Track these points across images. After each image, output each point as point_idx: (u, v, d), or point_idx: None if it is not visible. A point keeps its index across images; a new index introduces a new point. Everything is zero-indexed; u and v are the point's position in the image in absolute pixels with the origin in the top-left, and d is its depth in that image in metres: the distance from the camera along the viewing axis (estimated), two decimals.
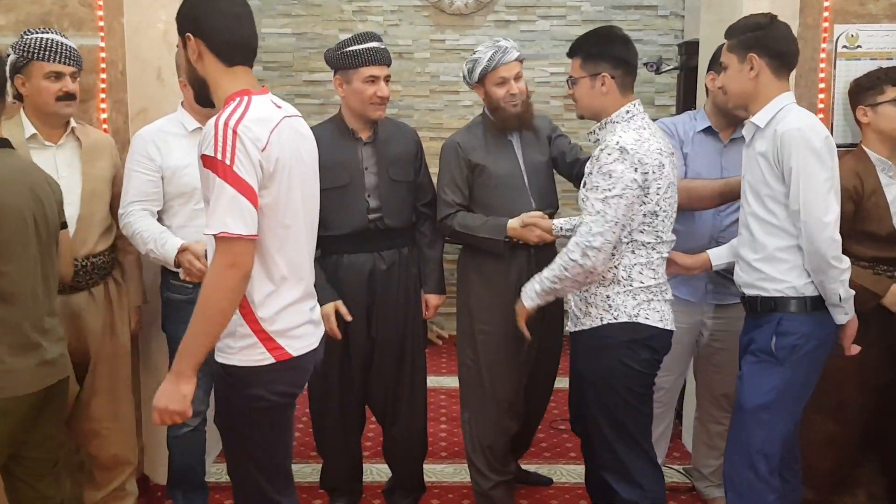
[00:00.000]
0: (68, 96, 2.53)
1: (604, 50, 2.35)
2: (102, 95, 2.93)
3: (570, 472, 3.43)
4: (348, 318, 2.75)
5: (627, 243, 2.30)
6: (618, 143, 2.24)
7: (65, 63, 2.51)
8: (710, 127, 2.85)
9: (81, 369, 2.63)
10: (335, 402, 2.90)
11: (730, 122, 2.82)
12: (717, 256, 2.57)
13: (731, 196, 2.67)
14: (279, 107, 1.97)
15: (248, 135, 1.80)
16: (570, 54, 2.43)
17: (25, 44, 2.51)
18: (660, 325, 2.34)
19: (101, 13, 2.89)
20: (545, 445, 3.71)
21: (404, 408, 2.94)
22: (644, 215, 2.29)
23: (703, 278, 2.83)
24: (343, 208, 2.78)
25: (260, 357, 1.91)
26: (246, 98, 1.88)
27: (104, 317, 2.68)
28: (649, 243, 2.31)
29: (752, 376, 2.35)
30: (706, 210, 2.77)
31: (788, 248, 2.27)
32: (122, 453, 2.79)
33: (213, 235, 1.82)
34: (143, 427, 3.18)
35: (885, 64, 2.89)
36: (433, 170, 2.93)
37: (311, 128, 2.89)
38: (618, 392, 2.34)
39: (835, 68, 2.96)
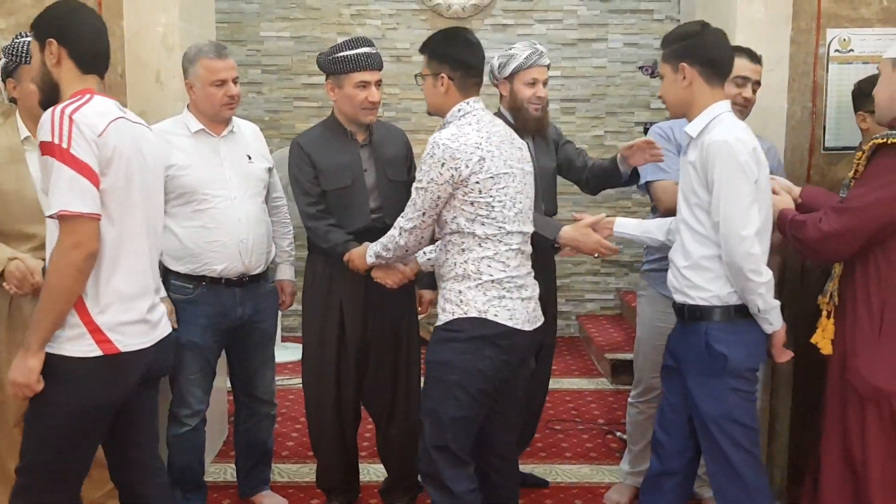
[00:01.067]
0: None
1: (446, 51, 2.40)
2: None
3: (566, 472, 3.46)
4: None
5: (471, 236, 2.33)
6: (433, 139, 2.32)
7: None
8: None
9: None
10: (331, 402, 2.92)
11: None
12: (622, 224, 2.63)
13: None
14: (122, 110, 2.06)
15: (84, 121, 1.91)
16: (421, 51, 2.48)
17: (15, 47, 2.53)
18: (508, 324, 2.33)
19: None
20: (541, 445, 3.73)
21: (400, 406, 2.97)
22: (476, 206, 2.30)
23: None
24: (347, 209, 2.82)
25: (88, 349, 1.95)
26: (88, 95, 1.99)
27: None
28: (494, 235, 2.32)
29: (697, 386, 2.31)
30: None
31: (713, 256, 2.25)
32: None
33: (54, 216, 1.89)
34: None
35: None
36: None
37: (305, 132, 2.95)
38: (448, 386, 2.33)
39: (827, 72, 2.99)
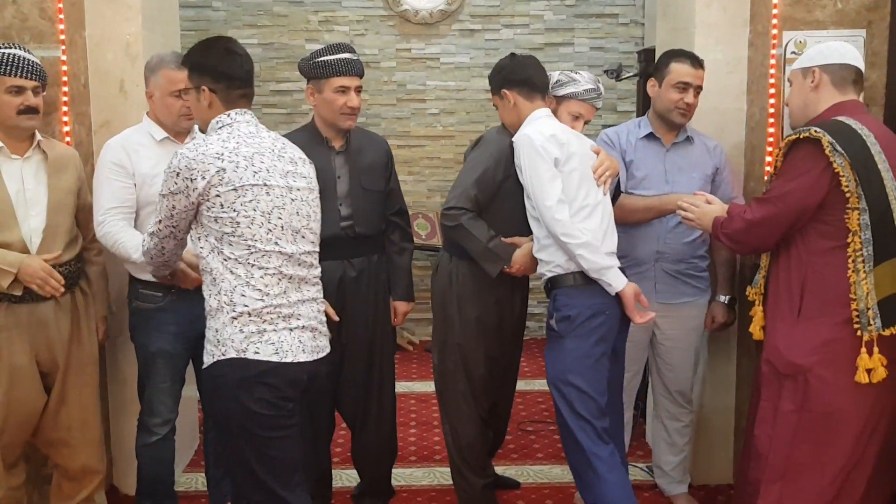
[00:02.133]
0: (30, 110, 2.53)
1: (205, 63, 2.24)
2: (65, 108, 2.94)
3: (537, 473, 3.49)
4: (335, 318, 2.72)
5: (221, 260, 2.12)
6: (176, 150, 2.21)
7: (25, 77, 2.51)
8: (652, 133, 2.94)
9: (49, 379, 2.64)
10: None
11: (671, 128, 2.92)
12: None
13: (662, 211, 2.82)
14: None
15: None
16: (182, 64, 2.38)
17: None
18: (274, 359, 2.11)
19: (62, 26, 2.90)
20: (513, 447, 3.76)
21: (373, 413, 2.97)
22: (220, 223, 2.11)
23: (650, 278, 2.91)
24: None
25: None
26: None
27: (71, 326, 2.68)
28: (243, 257, 2.11)
29: (548, 352, 2.62)
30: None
31: (548, 234, 2.57)
32: (90, 463, 2.79)
33: None
34: (111, 437, 3.19)
35: None
36: (402, 178, 2.97)
37: (283, 135, 2.94)
38: (238, 436, 2.14)
39: (784, 74, 3.05)
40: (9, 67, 2.49)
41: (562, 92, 2.79)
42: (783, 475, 2.29)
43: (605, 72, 4.51)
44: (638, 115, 4.34)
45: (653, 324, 2.98)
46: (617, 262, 2.58)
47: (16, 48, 2.55)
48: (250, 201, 2.13)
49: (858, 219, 2.16)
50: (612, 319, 2.54)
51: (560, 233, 2.50)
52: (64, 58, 2.92)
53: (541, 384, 4.66)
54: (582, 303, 2.53)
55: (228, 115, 2.24)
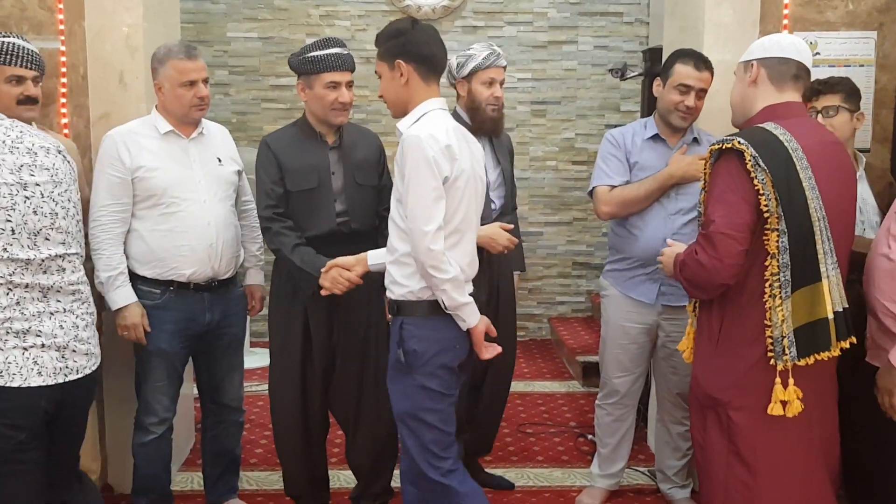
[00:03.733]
0: (29, 100, 2.50)
1: None
2: (63, 100, 2.89)
3: (536, 476, 3.45)
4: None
5: None
6: None
7: (25, 67, 2.48)
8: (657, 134, 2.91)
9: None
10: (297, 408, 2.87)
11: (676, 129, 2.88)
12: (375, 257, 2.53)
13: (662, 189, 2.80)
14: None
15: None
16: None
17: None
18: None
19: (61, 17, 2.85)
20: (513, 449, 3.72)
21: (368, 415, 2.93)
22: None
23: (656, 280, 2.88)
24: (312, 211, 2.78)
25: None
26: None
27: None
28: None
29: (393, 384, 2.33)
30: (655, 215, 2.87)
31: (409, 252, 2.23)
32: (83, 462, 2.74)
33: None
34: (106, 435, 3.14)
35: (842, 71, 2.95)
36: None
37: (276, 132, 2.91)
38: None
39: None
40: (8, 57, 2.45)
41: (467, 70, 2.94)
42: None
43: (610, 71, 4.48)
44: (642, 115, 4.31)
45: (656, 325, 2.95)
46: (472, 291, 2.32)
47: (14, 37, 2.51)
48: (15, 200, 1.93)
49: (777, 241, 1.99)
50: (461, 353, 2.32)
51: (430, 265, 2.17)
52: (63, 49, 2.87)
53: (541, 386, 4.64)
54: (431, 336, 2.26)
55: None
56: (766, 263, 2.01)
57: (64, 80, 2.88)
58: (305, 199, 2.77)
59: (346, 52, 2.78)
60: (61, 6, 2.85)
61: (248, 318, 3.12)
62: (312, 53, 2.74)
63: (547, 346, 5.44)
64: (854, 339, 2.10)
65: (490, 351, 2.33)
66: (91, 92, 3.02)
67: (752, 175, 1.99)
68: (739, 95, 2.25)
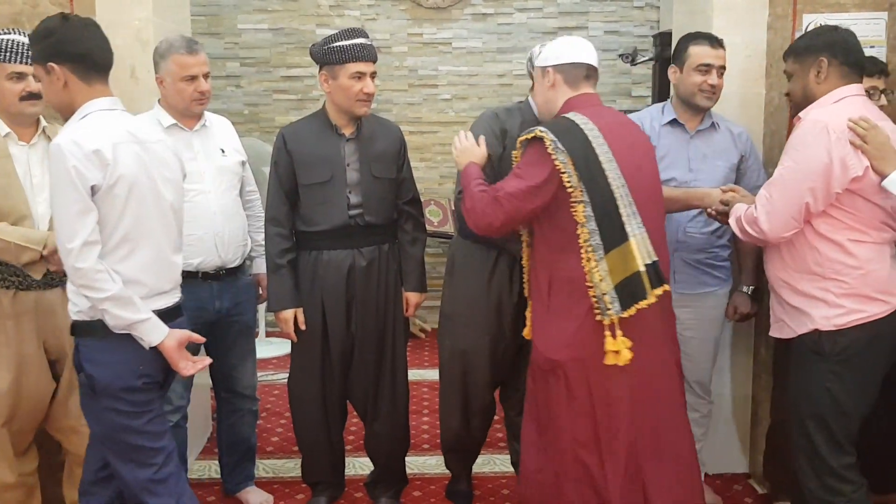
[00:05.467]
0: (32, 96, 2.51)
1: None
2: None
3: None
4: (303, 326, 2.82)
5: None
6: None
7: (26, 63, 2.49)
8: (676, 119, 2.89)
9: (58, 366, 2.63)
10: (316, 398, 2.91)
11: (696, 112, 2.86)
12: None
13: (687, 205, 2.75)
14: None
15: None
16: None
17: None
18: None
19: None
20: None
21: (385, 404, 2.96)
22: None
23: (669, 268, 2.86)
24: (324, 204, 2.79)
25: None
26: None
27: None
28: None
29: (82, 403, 2.21)
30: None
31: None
32: None
33: None
34: None
35: None
36: (414, 164, 2.94)
37: (293, 123, 2.92)
38: None
39: None
40: (8, 54, 2.47)
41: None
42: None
43: (621, 56, 4.47)
44: (653, 101, 4.30)
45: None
46: (174, 303, 2.21)
47: (15, 33, 2.53)
48: None
49: (583, 211, 2.22)
50: (151, 371, 2.14)
51: (79, 283, 2.03)
52: None
53: None
54: (108, 359, 2.09)
55: None
56: (578, 232, 2.23)
57: None
58: (318, 192, 2.78)
59: (370, 43, 2.77)
60: (73, 2, 2.88)
61: (265, 308, 3.15)
62: (338, 43, 2.71)
63: None
64: (668, 287, 2.30)
65: (191, 367, 2.14)
66: None
67: (554, 157, 2.22)
68: (542, 98, 2.47)
